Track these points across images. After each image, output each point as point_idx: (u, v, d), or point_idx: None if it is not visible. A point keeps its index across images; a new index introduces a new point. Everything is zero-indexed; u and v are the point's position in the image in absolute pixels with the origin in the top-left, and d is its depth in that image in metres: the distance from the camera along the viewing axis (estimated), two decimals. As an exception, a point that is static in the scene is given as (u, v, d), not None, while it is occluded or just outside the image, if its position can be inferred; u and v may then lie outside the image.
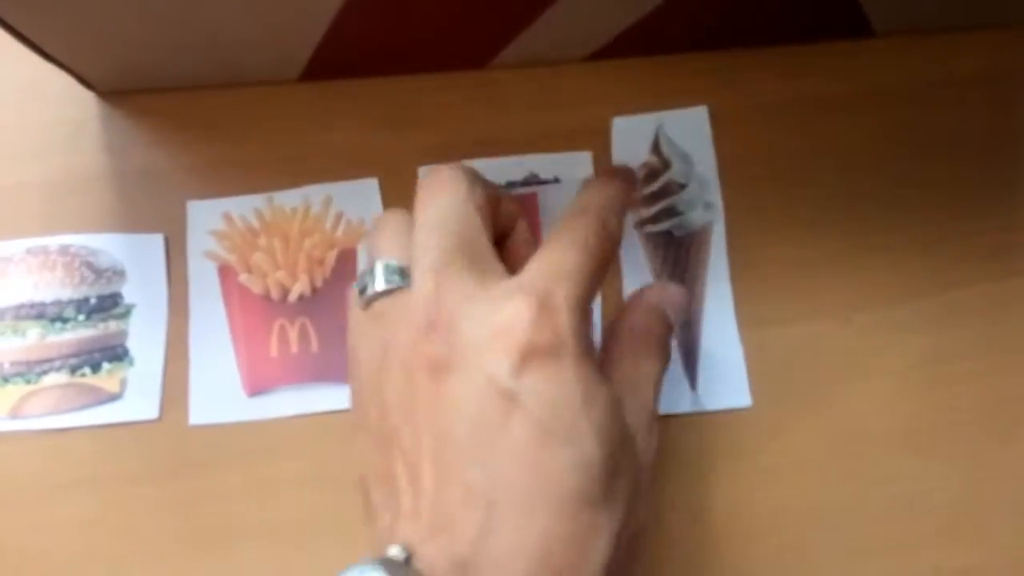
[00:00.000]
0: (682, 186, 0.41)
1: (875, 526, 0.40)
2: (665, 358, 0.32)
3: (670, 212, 0.41)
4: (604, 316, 0.41)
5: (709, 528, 0.40)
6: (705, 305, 0.40)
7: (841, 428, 0.40)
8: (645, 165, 0.41)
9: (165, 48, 0.39)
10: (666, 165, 0.41)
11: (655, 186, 0.41)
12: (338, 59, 0.41)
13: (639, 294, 0.34)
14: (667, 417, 0.40)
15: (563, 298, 0.28)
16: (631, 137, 0.42)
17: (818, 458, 0.40)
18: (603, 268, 0.30)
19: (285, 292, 0.42)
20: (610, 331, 0.33)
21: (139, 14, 0.35)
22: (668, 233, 0.41)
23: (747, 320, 0.41)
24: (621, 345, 0.32)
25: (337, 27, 0.38)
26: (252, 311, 0.42)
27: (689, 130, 0.41)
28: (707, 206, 0.41)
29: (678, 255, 0.40)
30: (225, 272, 0.42)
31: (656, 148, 0.41)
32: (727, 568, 0.39)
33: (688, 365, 0.40)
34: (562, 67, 0.44)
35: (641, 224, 0.41)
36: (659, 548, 0.39)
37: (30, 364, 0.41)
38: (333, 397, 0.41)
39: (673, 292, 0.34)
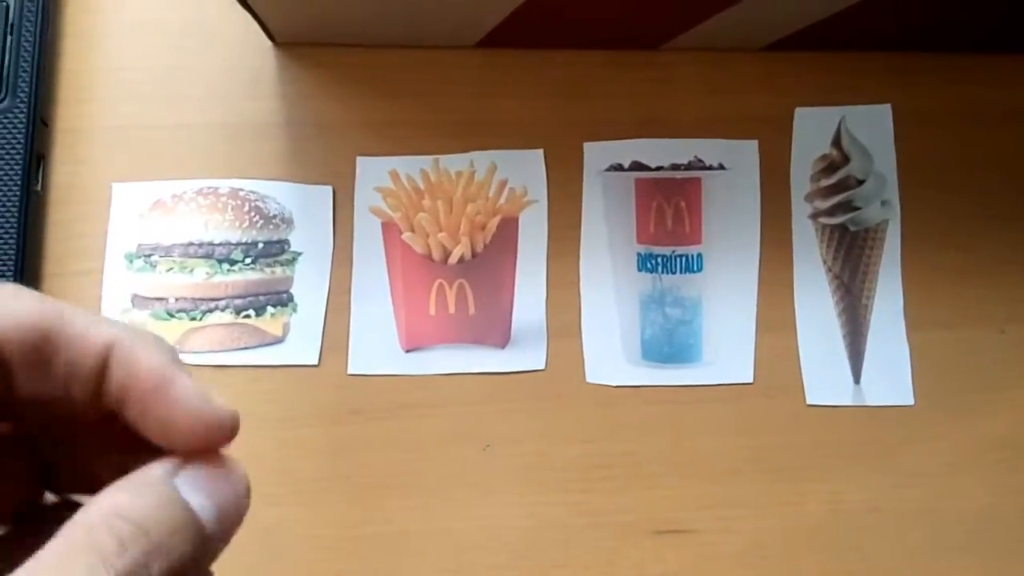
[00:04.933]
0: (860, 182, 0.44)
1: (1014, 531, 0.43)
2: None
3: (847, 206, 0.44)
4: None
5: (849, 520, 0.43)
6: (875, 302, 0.43)
7: (989, 435, 0.44)
8: (825, 157, 0.45)
9: (357, 3, 0.42)
10: (846, 159, 0.44)
11: (833, 179, 0.44)
12: (520, 30, 0.44)
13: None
14: (826, 408, 0.43)
15: None
16: (812, 128, 0.45)
17: (964, 462, 0.44)
18: None
19: (446, 253, 0.45)
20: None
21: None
22: (843, 227, 0.44)
23: (913, 321, 0.44)
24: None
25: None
26: (413, 269, 0.45)
27: (871, 127, 0.45)
28: (884, 204, 0.44)
29: (851, 250, 0.44)
30: (388, 229, 0.46)
31: (837, 141, 0.45)
32: (862, 560, 0.42)
33: (854, 358, 0.43)
34: (735, 54, 0.47)
35: (816, 216, 0.44)
36: (794, 534, 0.42)
37: (196, 301, 0.44)
38: (486, 360, 0.45)
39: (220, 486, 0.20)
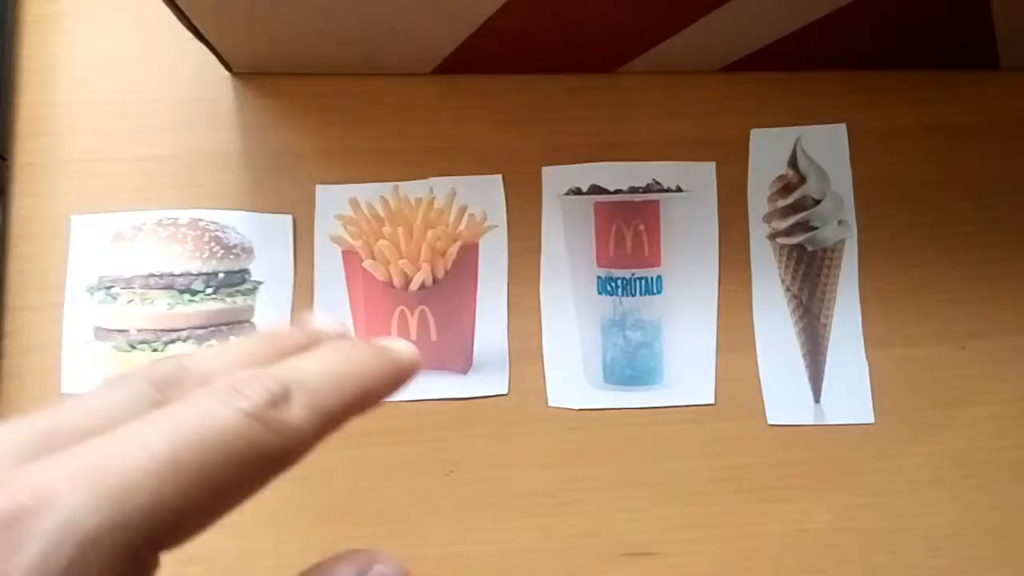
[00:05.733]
0: (817, 201, 0.44)
1: (978, 548, 0.43)
2: None
3: (804, 226, 0.44)
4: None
5: (814, 540, 0.43)
6: (833, 321, 0.43)
7: (950, 452, 0.44)
8: (781, 178, 0.45)
9: (312, 32, 0.43)
10: (802, 179, 0.44)
11: (790, 199, 0.44)
12: (476, 56, 0.45)
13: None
14: (787, 427, 0.43)
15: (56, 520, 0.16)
16: (769, 149, 0.45)
17: (926, 479, 0.44)
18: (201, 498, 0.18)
19: (407, 280, 0.45)
20: None
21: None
22: (801, 247, 0.44)
23: (872, 339, 0.44)
24: None
25: (489, 25, 0.41)
26: (374, 296, 0.45)
27: (827, 146, 0.45)
28: (841, 223, 0.44)
29: (809, 269, 0.44)
30: (349, 256, 0.45)
31: (793, 162, 0.45)
32: (833, 585, 0.42)
33: (813, 378, 0.43)
34: (693, 76, 0.47)
35: (774, 236, 0.44)
36: (759, 555, 0.42)
37: (157, 332, 0.44)
38: (449, 385, 0.45)
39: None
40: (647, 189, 0.46)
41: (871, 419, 0.44)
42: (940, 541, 0.43)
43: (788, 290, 0.44)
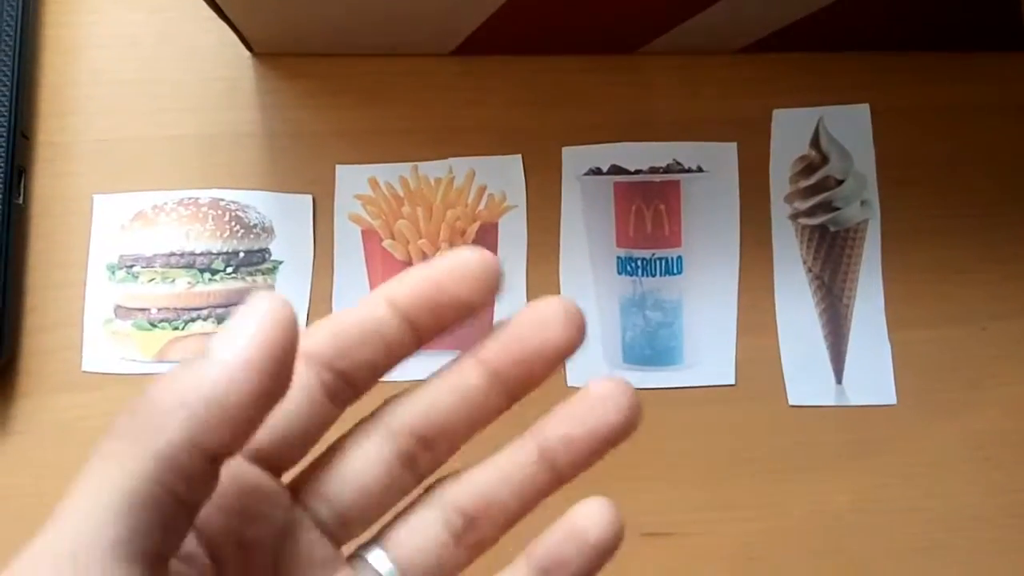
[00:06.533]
0: (839, 181, 0.44)
1: (999, 530, 0.43)
2: None
3: (826, 207, 0.44)
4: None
5: (834, 521, 0.43)
6: (856, 302, 0.43)
7: (971, 433, 0.44)
8: (803, 158, 0.45)
9: (333, 12, 0.43)
10: (825, 160, 0.44)
11: (812, 180, 0.44)
12: (496, 37, 0.44)
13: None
14: (808, 408, 0.43)
15: None
16: (791, 129, 0.45)
17: (947, 460, 0.43)
18: None
19: (426, 260, 0.45)
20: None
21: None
22: (823, 228, 0.44)
23: (894, 320, 0.43)
24: None
25: (509, 5, 0.41)
26: (393, 276, 0.45)
27: (850, 127, 0.44)
28: (864, 203, 0.44)
29: (831, 250, 0.43)
30: (369, 236, 0.45)
31: (815, 142, 0.44)
32: (848, 562, 0.42)
33: (835, 359, 0.43)
34: (712, 57, 0.46)
35: (796, 216, 0.44)
36: (779, 536, 0.42)
37: (178, 311, 0.44)
38: (468, 367, 0.44)
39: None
40: (667, 169, 0.46)
41: (893, 400, 0.43)
42: (961, 522, 0.42)
43: (810, 271, 0.44)
